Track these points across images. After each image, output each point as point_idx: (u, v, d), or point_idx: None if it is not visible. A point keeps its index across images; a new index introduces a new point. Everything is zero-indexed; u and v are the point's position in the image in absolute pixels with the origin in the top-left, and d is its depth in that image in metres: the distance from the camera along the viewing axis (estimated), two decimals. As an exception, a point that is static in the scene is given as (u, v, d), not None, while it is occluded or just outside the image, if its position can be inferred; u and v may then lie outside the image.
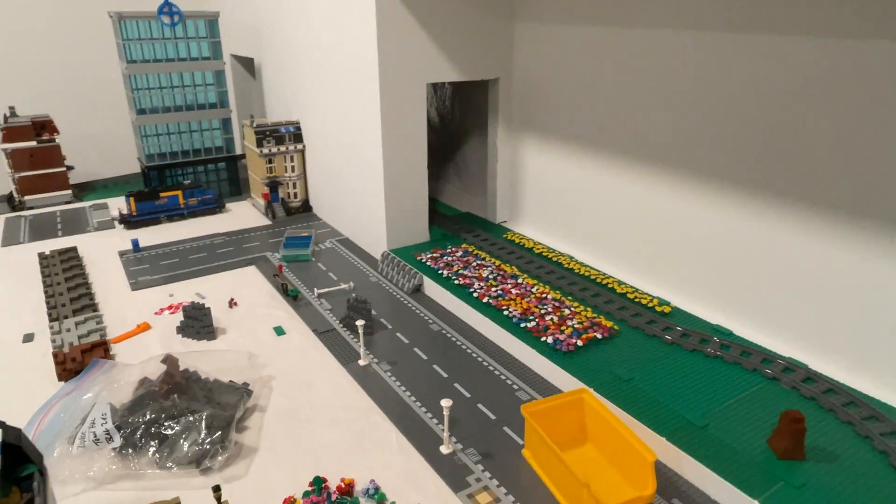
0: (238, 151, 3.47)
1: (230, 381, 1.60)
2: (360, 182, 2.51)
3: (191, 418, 1.40)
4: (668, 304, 1.94)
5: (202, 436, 1.37)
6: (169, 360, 1.57)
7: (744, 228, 1.77)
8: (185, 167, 3.26)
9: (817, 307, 1.63)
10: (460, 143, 3.09)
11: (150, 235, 2.77)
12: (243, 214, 3.09)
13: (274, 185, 3.01)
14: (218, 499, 1.02)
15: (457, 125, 3.08)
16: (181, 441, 1.37)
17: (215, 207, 3.06)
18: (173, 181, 3.23)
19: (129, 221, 2.86)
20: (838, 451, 1.33)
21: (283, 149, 2.96)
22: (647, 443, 1.30)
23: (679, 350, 1.72)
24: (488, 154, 2.67)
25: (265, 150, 2.92)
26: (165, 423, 1.39)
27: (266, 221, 2.99)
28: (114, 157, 3.74)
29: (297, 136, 2.99)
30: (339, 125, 2.60)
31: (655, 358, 1.68)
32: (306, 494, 1.28)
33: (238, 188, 3.40)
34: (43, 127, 3.33)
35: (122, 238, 2.75)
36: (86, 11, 3.62)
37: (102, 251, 2.60)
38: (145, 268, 2.45)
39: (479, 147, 2.86)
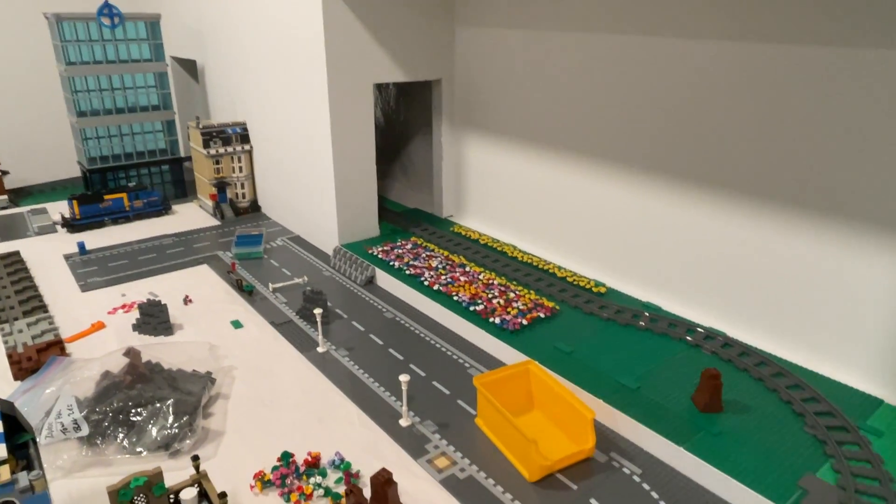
0: (182, 153, 3.46)
1: (193, 370, 1.65)
2: (311, 180, 2.58)
3: (157, 405, 1.45)
4: (603, 285, 2.11)
5: (169, 421, 1.43)
6: (132, 353, 1.61)
7: (665, 214, 1.96)
8: (128, 170, 3.23)
9: (732, 282, 1.83)
10: (406, 143, 3.19)
11: (96, 238, 2.75)
12: (190, 216, 3.09)
13: (222, 185, 3.03)
14: (197, 468, 1.09)
15: (402, 125, 3.19)
16: (149, 427, 1.42)
17: (161, 209, 3.05)
18: (115, 184, 3.19)
19: (72, 225, 2.82)
20: (751, 403, 1.51)
21: (230, 150, 2.99)
22: (592, 409, 1.44)
23: (614, 325, 1.88)
24: (433, 152, 2.79)
25: (212, 152, 2.94)
26: (132, 411, 1.44)
27: (214, 222, 3.00)
28: (51, 162, 3.64)
29: (244, 137, 3.02)
30: (287, 125, 2.66)
31: (593, 333, 1.84)
32: (275, 468, 1.36)
33: (183, 190, 3.39)
34: (-26, 131, 3.23)
35: (65, 242, 2.72)
36: (18, 12, 3.52)
37: (46, 255, 2.57)
38: (94, 269, 2.44)
39: (423, 146, 2.97)
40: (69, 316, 2.06)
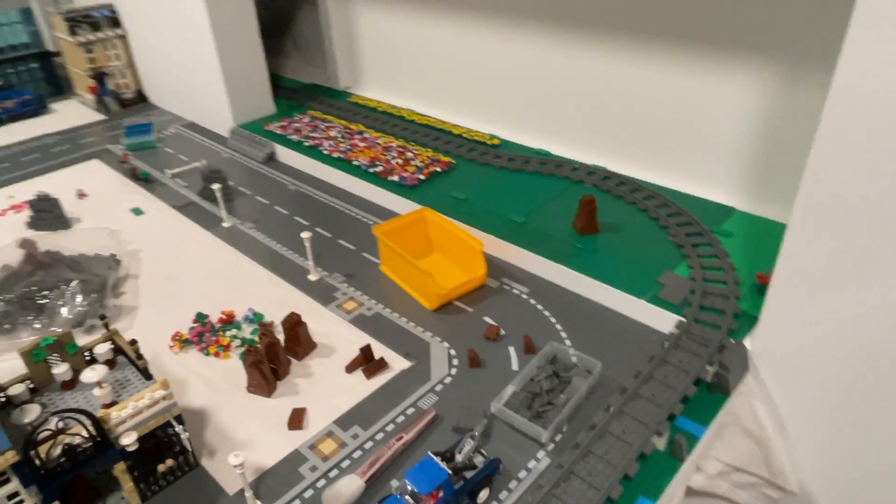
0: (50, 47, 3.17)
1: (96, 254, 1.66)
2: (196, 63, 2.46)
3: (62, 287, 1.48)
4: (497, 137, 2.21)
5: (78, 300, 1.46)
6: (26, 244, 1.60)
7: (550, 63, 2.02)
8: (-8, 68, 2.95)
9: (610, 121, 1.95)
10: (292, 16, 3.04)
11: (-32, 144, 2.57)
12: (72, 113, 2.91)
13: (100, 76, 2.84)
14: (106, 325, 1.15)
15: (286, -3, 3.02)
16: (58, 308, 1.45)
17: (37, 109, 2.85)
18: (-22, 86, 2.93)
19: (-63, 133, 2.61)
20: (623, 223, 1.69)
21: (100, 36, 2.77)
22: (481, 241, 1.57)
23: (506, 172, 2.00)
24: (321, 21, 2.69)
25: (81, 39, 2.72)
26: (38, 296, 1.46)
27: (100, 117, 2.84)
28: None
29: (114, 21, 2.80)
30: (161, 7, 2.48)
31: (487, 180, 1.95)
32: (191, 329, 1.44)
33: (59, 87, 3.15)
34: None
35: (-66, 151, 2.53)
36: None
37: (-85, 166, 2.39)
38: (-28, 175, 2.31)
39: (311, 17, 2.85)
40: (-46, 222, 1.98)
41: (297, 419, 1.20)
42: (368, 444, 1.15)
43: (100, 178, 2.26)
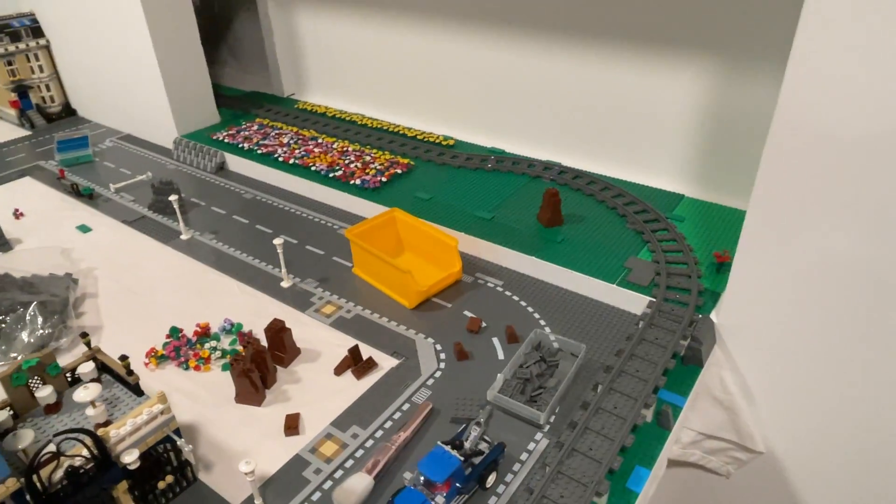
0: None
1: (50, 273, 1.57)
2: (133, 74, 2.37)
3: (20, 311, 1.39)
4: (451, 138, 2.25)
5: (39, 322, 1.38)
6: (-28, 267, 1.49)
7: (498, 64, 2.09)
8: None
9: (561, 119, 2.04)
10: (229, 23, 2.97)
11: None
12: (-9, 130, 2.72)
13: (22, 90, 2.67)
14: (88, 343, 1.09)
15: (220, 4, 2.95)
16: (18, 332, 1.36)
17: (-48, 126, 2.65)
18: None
19: None
20: (585, 214, 1.77)
21: (21, 46, 2.61)
22: (455, 237, 1.60)
23: (465, 171, 2.04)
24: (262, 28, 2.65)
25: (1, 51, 2.55)
26: (-7, 322, 1.37)
27: (24, 132, 2.68)
28: None
29: (36, 31, 2.65)
30: (90, 14, 2.37)
31: (447, 180, 1.99)
32: (166, 344, 1.39)
33: (-26, 102, 2.93)
34: None
35: None
36: None
37: None
38: None
39: (250, 24, 2.80)
40: None
41: (292, 424, 1.19)
42: (369, 443, 1.16)
43: (35, 195, 2.13)
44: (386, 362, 1.34)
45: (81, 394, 0.95)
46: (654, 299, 1.40)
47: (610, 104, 1.92)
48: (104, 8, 2.28)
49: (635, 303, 1.44)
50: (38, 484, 0.84)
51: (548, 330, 1.41)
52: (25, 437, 0.90)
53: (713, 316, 1.36)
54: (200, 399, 1.27)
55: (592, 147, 2.01)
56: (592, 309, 1.48)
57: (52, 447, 0.86)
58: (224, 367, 1.34)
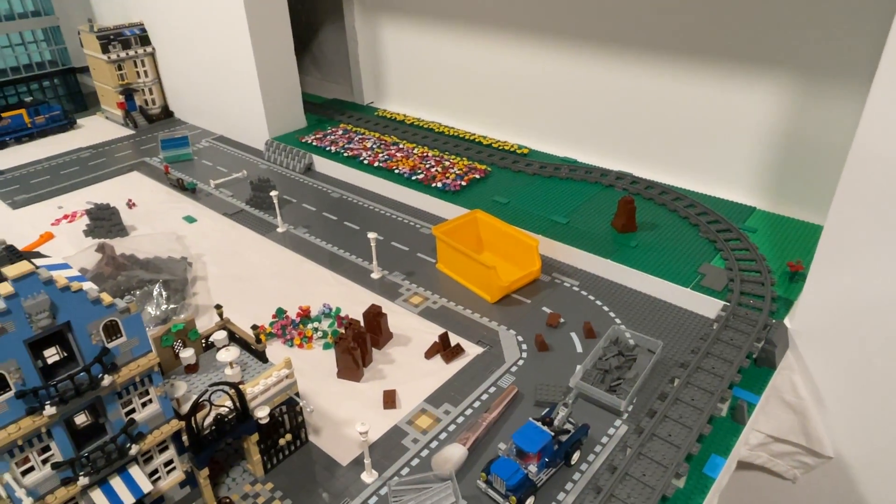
0: (74, 64, 3.24)
1: (168, 256, 1.75)
2: (231, 79, 2.57)
3: (147, 288, 1.57)
4: (525, 147, 2.36)
5: (164, 298, 1.55)
6: (105, 247, 1.68)
7: (574, 76, 2.19)
8: (17, 85, 3.01)
9: (635, 131, 2.12)
10: (314, 34, 3.18)
11: (4, 159, 2.62)
12: (98, 128, 2.98)
13: (129, 93, 2.93)
14: (220, 314, 1.25)
15: (308, 14, 3.15)
16: (145, 307, 1.54)
17: (66, 124, 2.92)
18: (4, 102, 2.98)
19: (-29, 147, 2.66)
20: (658, 222, 1.84)
21: (130, 53, 2.86)
22: (536, 238, 1.71)
23: (540, 178, 2.15)
24: (347, 39, 2.83)
25: (112, 56, 2.81)
26: (125, 297, 1.55)
27: (128, 132, 2.93)
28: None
29: (144, 39, 2.89)
30: (196, 23, 2.59)
31: (523, 185, 2.09)
32: (272, 323, 1.54)
33: (83, 103, 3.22)
34: None
35: (-31, 165, 2.58)
36: None
37: (-45, 180, 2.44)
38: (16, 188, 2.37)
39: (334, 35, 2.98)
40: (10, 232, 2.04)
41: (390, 399, 1.31)
42: (460, 419, 1.26)
43: (143, 188, 2.34)
44: (471, 349, 1.45)
45: (224, 355, 1.09)
46: (729, 303, 1.47)
47: (684, 116, 1.99)
48: (210, 20, 2.49)
49: (708, 306, 1.51)
50: (193, 426, 0.98)
51: (623, 327, 1.49)
52: (180, 388, 1.04)
53: (787, 321, 1.42)
54: (305, 373, 1.40)
55: (665, 158, 2.08)
56: (666, 310, 1.55)
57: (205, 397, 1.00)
58: (325, 346, 1.47)
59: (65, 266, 0.89)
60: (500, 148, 2.36)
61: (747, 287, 1.52)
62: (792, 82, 1.75)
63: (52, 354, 0.85)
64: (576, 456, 1.15)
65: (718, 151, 1.96)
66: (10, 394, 0.79)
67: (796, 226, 1.79)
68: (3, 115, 2.71)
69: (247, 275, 1.78)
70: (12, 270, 0.76)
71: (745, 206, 1.91)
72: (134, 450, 0.92)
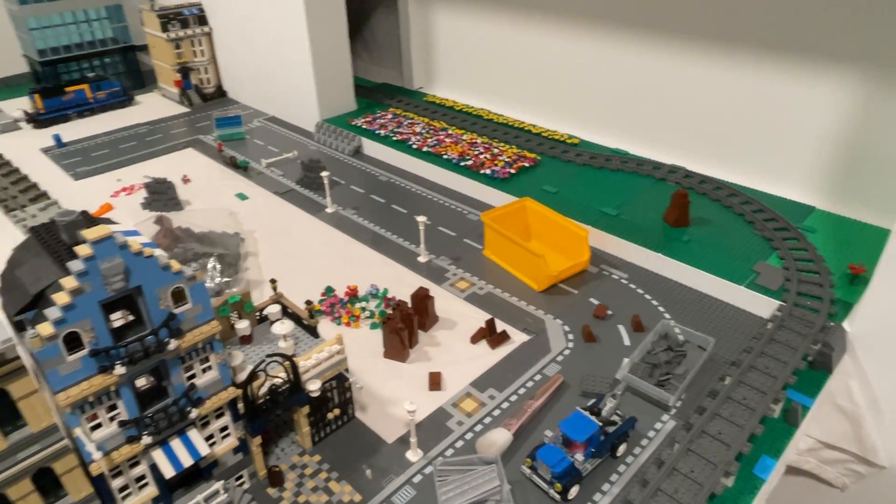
0: (134, 42, 3.33)
1: (223, 231, 1.79)
2: (285, 60, 2.61)
3: (202, 261, 1.61)
4: (576, 137, 2.33)
5: (218, 270, 1.59)
6: (163, 220, 1.74)
7: (627, 67, 2.14)
8: (79, 61, 3.11)
9: (688, 123, 2.07)
10: (367, 18, 3.19)
11: (67, 131, 2.72)
12: (155, 105, 3.07)
13: (185, 71, 2.99)
14: (274, 288, 1.28)
15: (360, 0, 3.16)
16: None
17: (125, 100, 3.01)
18: (68, 77, 3.09)
19: (37, 120, 2.77)
20: (711, 218, 1.80)
21: (188, 32, 2.93)
22: (586, 228, 1.69)
23: (590, 168, 2.12)
24: (400, 25, 2.83)
25: (172, 35, 2.88)
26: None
27: (183, 109, 3.00)
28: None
29: (202, 19, 2.95)
30: (254, 6, 2.63)
31: (572, 176, 2.07)
32: (321, 301, 1.56)
33: (141, 80, 3.31)
34: None
35: (35, 137, 2.69)
36: None
37: (22, 150, 2.54)
38: (78, 160, 2.46)
39: (386, 20, 2.99)
40: (72, 202, 2.11)
41: (435, 381, 1.32)
42: (505, 405, 1.27)
43: (198, 165, 2.40)
44: (517, 336, 1.45)
45: (279, 327, 1.12)
46: (785, 303, 1.43)
47: (742, 111, 1.94)
48: (267, 2, 2.52)
49: (763, 305, 1.47)
50: (249, 394, 1.01)
51: (673, 322, 1.47)
52: (237, 357, 1.07)
53: (846, 325, 1.38)
54: (352, 352, 1.41)
55: (720, 153, 2.03)
56: (718, 307, 1.52)
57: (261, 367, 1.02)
58: (372, 326, 1.49)
59: (135, 233, 0.92)
60: (550, 137, 2.33)
61: (805, 287, 1.47)
62: (857, 79, 1.68)
63: (117, 318, 0.88)
64: (622, 448, 1.14)
65: (777, 148, 1.90)
66: (85, 352, 0.82)
67: (858, 227, 1.72)
68: (67, 89, 2.81)
69: (296, 252, 1.81)
70: (91, 233, 0.79)
71: (804, 205, 1.85)
72: (194, 413, 0.95)
